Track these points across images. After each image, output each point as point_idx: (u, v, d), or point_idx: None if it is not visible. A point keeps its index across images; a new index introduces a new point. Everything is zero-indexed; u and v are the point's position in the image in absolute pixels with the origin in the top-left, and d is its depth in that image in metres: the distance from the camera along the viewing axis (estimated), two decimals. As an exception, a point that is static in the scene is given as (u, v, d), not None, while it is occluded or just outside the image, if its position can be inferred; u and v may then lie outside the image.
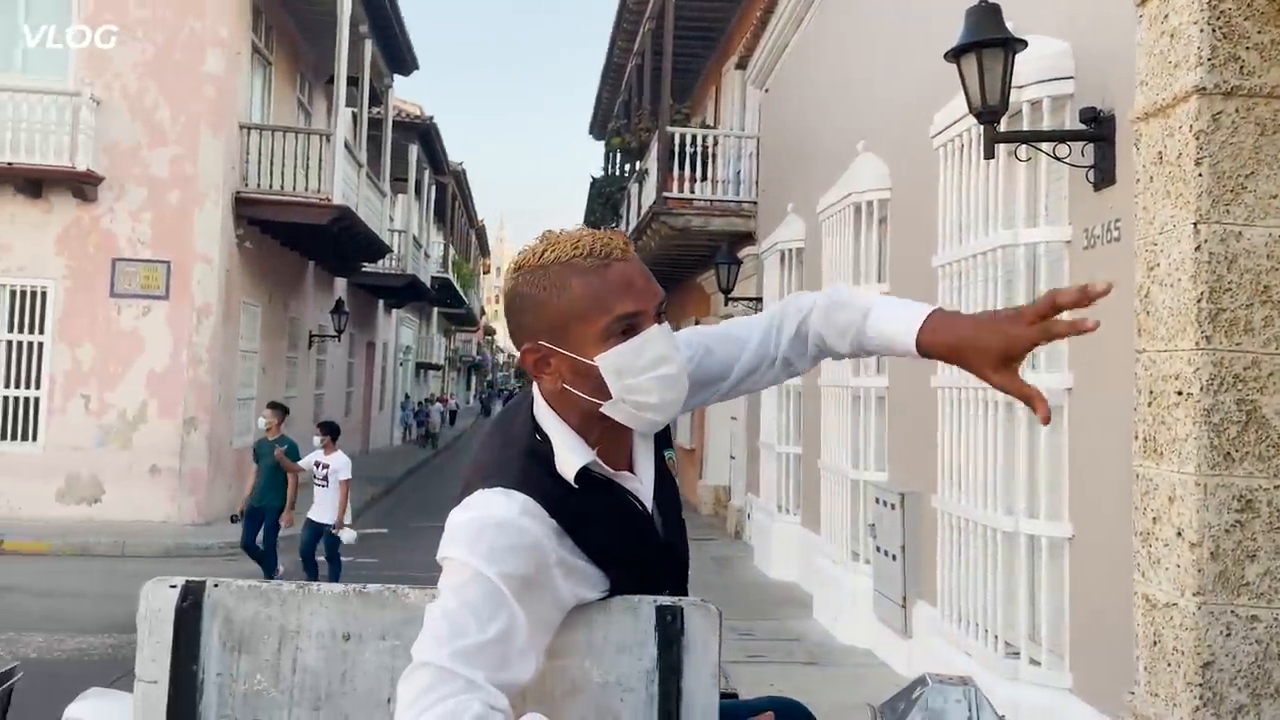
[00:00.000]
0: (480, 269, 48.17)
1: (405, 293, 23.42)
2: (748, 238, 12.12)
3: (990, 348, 1.36)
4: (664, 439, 1.53)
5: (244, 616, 1.33)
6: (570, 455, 1.34)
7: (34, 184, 11.87)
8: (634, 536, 1.40)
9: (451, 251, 30.66)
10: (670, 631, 1.32)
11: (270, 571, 8.84)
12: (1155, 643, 3.62)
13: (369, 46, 15.62)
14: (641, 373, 1.30)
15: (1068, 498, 4.55)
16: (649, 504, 1.44)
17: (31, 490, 11.80)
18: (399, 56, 17.75)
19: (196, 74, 12.29)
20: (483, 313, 57.09)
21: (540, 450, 1.35)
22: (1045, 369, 4.66)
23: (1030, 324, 1.35)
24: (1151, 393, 3.70)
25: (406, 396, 31.79)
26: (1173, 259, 3.58)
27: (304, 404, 17.40)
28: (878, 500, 6.80)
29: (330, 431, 8.90)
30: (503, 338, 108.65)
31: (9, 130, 11.59)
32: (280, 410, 9.49)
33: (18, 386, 12.07)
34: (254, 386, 14.28)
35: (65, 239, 12.09)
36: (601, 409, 1.33)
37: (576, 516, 1.30)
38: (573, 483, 1.32)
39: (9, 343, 12.08)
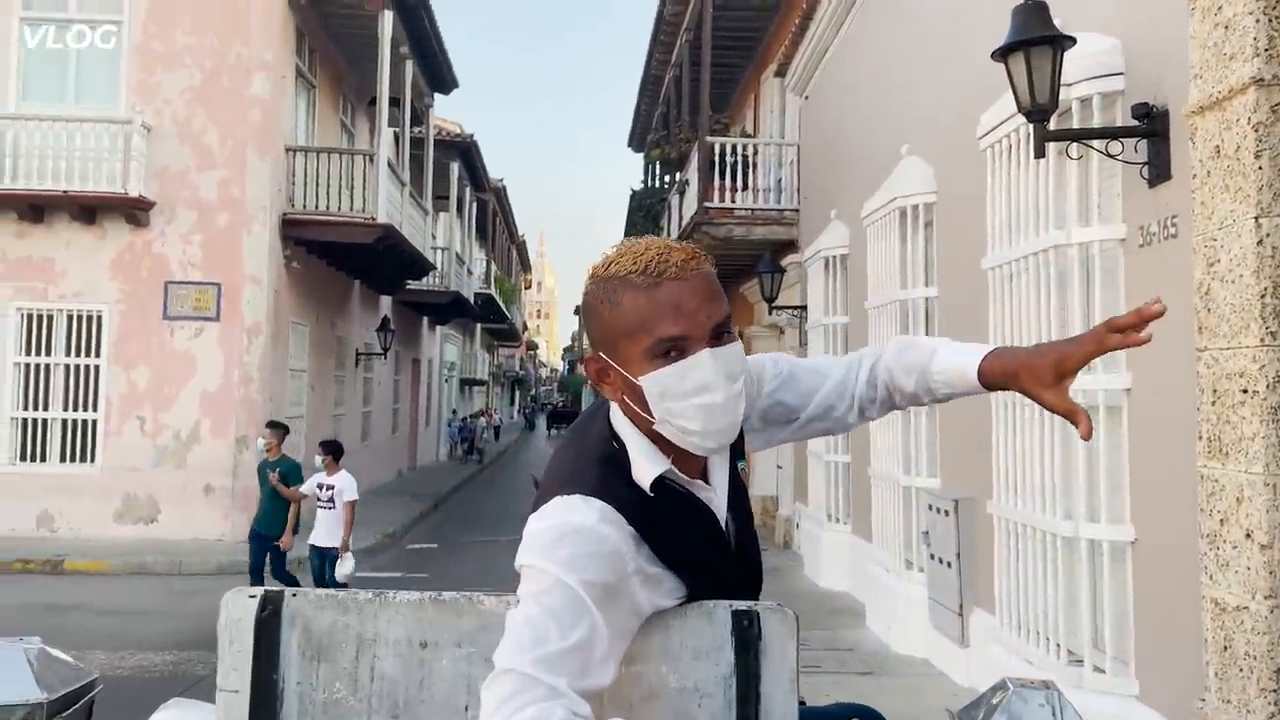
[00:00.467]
0: (521, 284, 48.45)
1: (449, 309, 23.61)
2: (790, 245, 12.07)
3: (1044, 365, 1.40)
4: (738, 449, 1.51)
5: (322, 625, 1.34)
6: (646, 463, 1.33)
7: (88, 211, 12.16)
8: (709, 545, 1.39)
9: (493, 267, 30.89)
10: (747, 636, 1.31)
11: None
12: (1226, 648, 3.53)
13: (410, 67, 15.81)
14: (683, 398, 1.29)
15: (1129, 500, 4.46)
16: (723, 513, 1.43)
17: (90, 511, 12.06)
18: (439, 76, 17.95)
19: (243, 98, 12.53)
20: (525, 328, 57.41)
21: (617, 457, 1.35)
22: (1103, 370, 4.57)
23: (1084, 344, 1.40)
24: (1215, 391, 3.62)
25: (454, 412, 31.78)
26: (1234, 254, 3.51)
27: (352, 421, 17.61)
28: (931, 507, 6.71)
29: (332, 451, 8.43)
30: (545, 352, 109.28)
31: (64, 159, 11.89)
32: (280, 429, 9.05)
33: (76, 409, 12.35)
34: (303, 405, 14.48)
35: (119, 263, 12.37)
36: (654, 425, 1.33)
37: (653, 524, 1.30)
38: (648, 491, 1.31)
39: (67, 366, 12.37)
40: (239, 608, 1.34)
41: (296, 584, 8.10)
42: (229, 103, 12.49)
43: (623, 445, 1.36)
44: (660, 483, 1.33)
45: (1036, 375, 1.39)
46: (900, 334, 7.31)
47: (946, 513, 6.35)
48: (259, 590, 1.36)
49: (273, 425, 9.11)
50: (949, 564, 6.32)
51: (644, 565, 1.29)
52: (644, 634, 1.30)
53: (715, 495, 1.43)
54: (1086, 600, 4.62)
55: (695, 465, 1.40)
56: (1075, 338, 1.43)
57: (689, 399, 1.29)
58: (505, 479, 25.22)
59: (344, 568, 7.99)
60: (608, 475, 1.32)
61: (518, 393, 76.09)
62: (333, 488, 8.11)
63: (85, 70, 12.57)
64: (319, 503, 8.13)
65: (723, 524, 1.43)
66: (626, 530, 1.27)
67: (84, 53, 12.56)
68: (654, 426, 1.33)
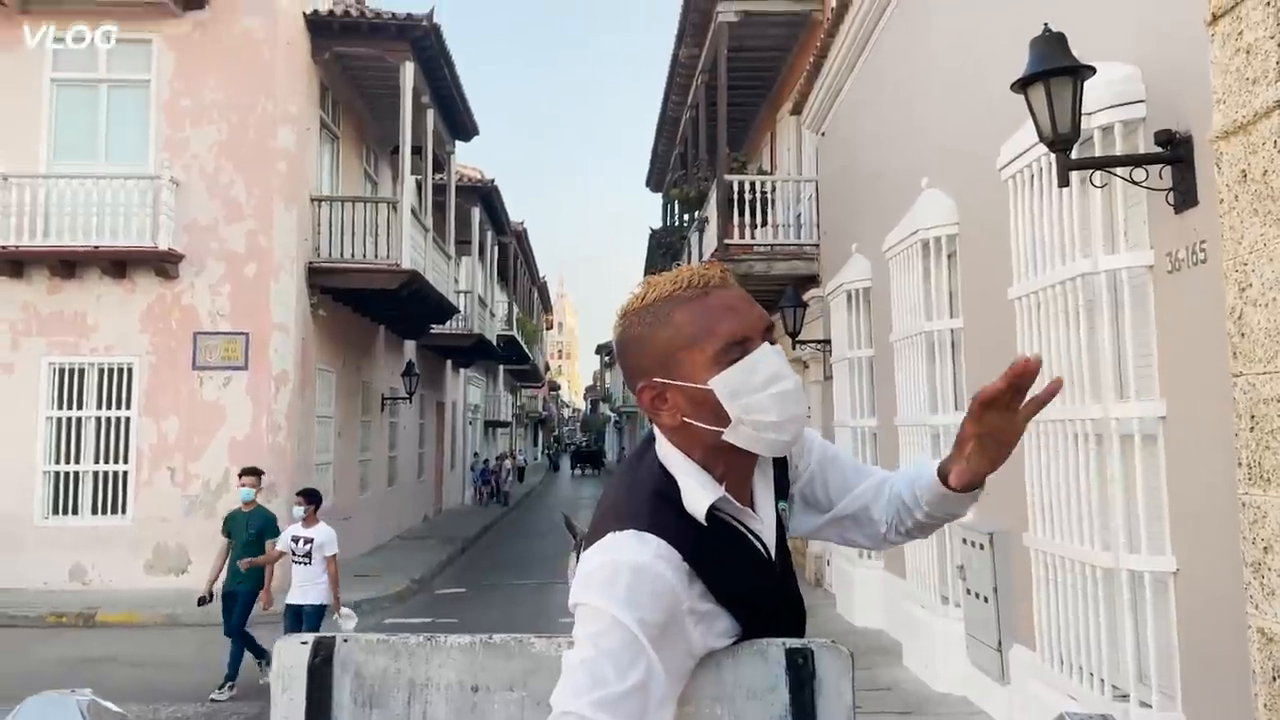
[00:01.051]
0: (543, 324, 48.69)
1: (473, 352, 23.75)
2: (812, 280, 12.08)
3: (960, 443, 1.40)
4: (782, 488, 1.51)
5: (374, 671, 1.34)
6: (700, 491, 1.33)
7: (119, 265, 12.36)
8: (760, 580, 1.38)
9: (515, 309, 31.08)
10: (801, 675, 1.29)
11: (261, 656, 7.76)
12: (1275, 678, 3.44)
13: (431, 116, 16.06)
14: (758, 390, 1.30)
15: (1169, 530, 4.39)
16: (772, 545, 1.43)
17: (122, 562, 12.13)
18: (459, 124, 18.22)
19: (269, 150, 12.76)
20: (547, 368, 57.58)
21: (668, 491, 1.34)
22: (1136, 398, 4.53)
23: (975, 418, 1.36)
24: (1253, 417, 3.57)
25: (475, 455, 31.50)
26: (1266, 278, 3.47)
27: (378, 466, 17.67)
28: (965, 541, 6.63)
29: (312, 500, 7.73)
30: (567, 392, 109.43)
31: (94, 215, 12.13)
32: (258, 475, 8.33)
33: (108, 461, 12.47)
34: (330, 451, 14.56)
35: (149, 316, 12.55)
36: (723, 436, 1.33)
37: (707, 558, 1.29)
38: (703, 520, 1.31)
39: (98, 419, 12.52)
40: (291, 655, 1.34)
41: (256, 646, 7.73)
42: (256, 155, 12.72)
43: (673, 478, 1.36)
44: (712, 515, 1.32)
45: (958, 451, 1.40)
46: (927, 367, 7.28)
47: (981, 546, 6.27)
48: (310, 637, 1.36)
49: (251, 472, 8.34)
50: (986, 599, 6.22)
51: (697, 603, 1.28)
52: (695, 674, 1.29)
53: (764, 525, 1.42)
54: (1129, 633, 4.53)
55: (744, 493, 1.40)
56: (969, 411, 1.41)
57: (764, 390, 1.30)
58: (531, 521, 25.15)
59: (346, 625, 7.39)
60: (661, 509, 1.32)
61: (541, 433, 76.14)
62: (310, 541, 7.50)
63: (115, 128, 12.85)
64: (294, 558, 7.51)
65: (771, 556, 1.42)
66: (682, 568, 1.26)
67: (113, 111, 12.87)
68: (724, 435, 1.32)
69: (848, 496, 1.61)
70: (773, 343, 1.35)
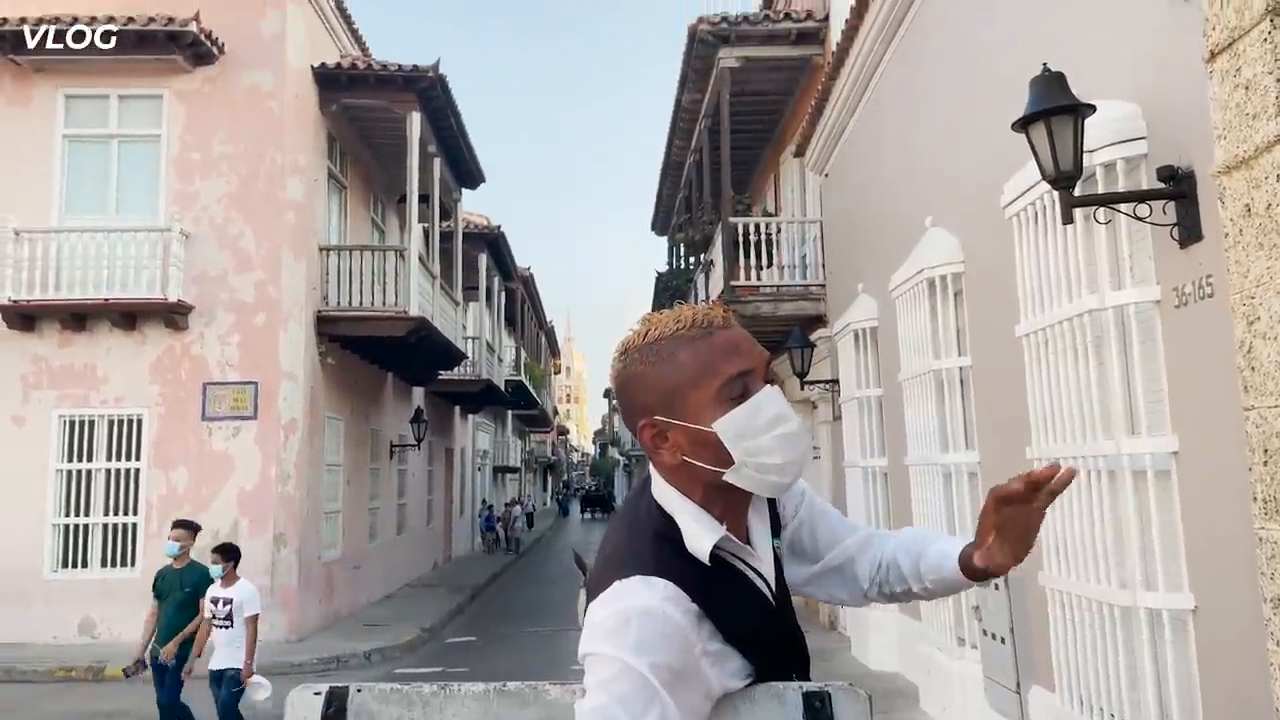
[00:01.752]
0: (551, 369, 48.75)
1: (481, 397, 23.77)
2: (818, 320, 12.09)
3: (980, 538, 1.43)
4: (775, 525, 1.51)
5: None
6: (701, 531, 1.32)
7: (129, 317, 12.45)
8: (764, 619, 1.38)
9: (523, 354, 31.15)
10: (819, 718, 1.28)
11: None
12: (1302, 718, 3.39)
13: (438, 165, 16.25)
14: (762, 433, 1.30)
15: (1185, 567, 4.34)
16: (772, 582, 1.42)
17: (131, 616, 11.95)
18: (466, 171, 18.41)
19: (278, 201, 12.89)
20: (555, 413, 57.56)
21: (669, 533, 1.33)
22: (1148, 434, 4.50)
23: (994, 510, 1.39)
24: (1266, 450, 3.55)
25: (483, 502, 30.83)
26: (1274, 311, 3.47)
27: (387, 514, 17.61)
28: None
29: (230, 556, 7.02)
30: (575, 436, 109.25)
31: (105, 268, 12.24)
32: (191, 529, 7.63)
33: (117, 513, 12.44)
34: (339, 499, 14.53)
35: (158, 367, 12.60)
36: (724, 476, 1.32)
37: (714, 598, 1.28)
38: (706, 561, 1.30)
39: (108, 471, 12.52)
40: (304, 706, 1.33)
41: (188, 711, 7.16)
42: (265, 206, 12.85)
43: (672, 520, 1.35)
44: (714, 555, 1.31)
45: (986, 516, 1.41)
46: (937, 405, 7.26)
47: (997, 586, 6.19)
48: (324, 687, 1.34)
49: (183, 525, 7.66)
50: (1003, 640, 6.14)
51: (709, 644, 1.27)
52: (711, 718, 1.27)
53: (763, 563, 1.41)
54: (1149, 672, 4.46)
55: (741, 531, 1.40)
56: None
57: (767, 432, 1.30)
58: (541, 568, 24.97)
59: (256, 695, 6.78)
60: (663, 551, 1.31)
61: (550, 478, 75.89)
62: (230, 601, 6.86)
63: (125, 181, 12.99)
64: (215, 621, 6.87)
65: (770, 595, 1.41)
66: (691, 609, 1.25)
67: (124, 165, 13.02)
68: (725, 476, 1.32)
69: (836, 549, 1.62)
70: (773, 383, 1.35)
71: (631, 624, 1.20)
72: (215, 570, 7.00)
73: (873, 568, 1.60)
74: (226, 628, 6.86)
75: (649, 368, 1.34)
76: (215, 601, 6.92)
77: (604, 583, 1.29)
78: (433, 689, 1.34)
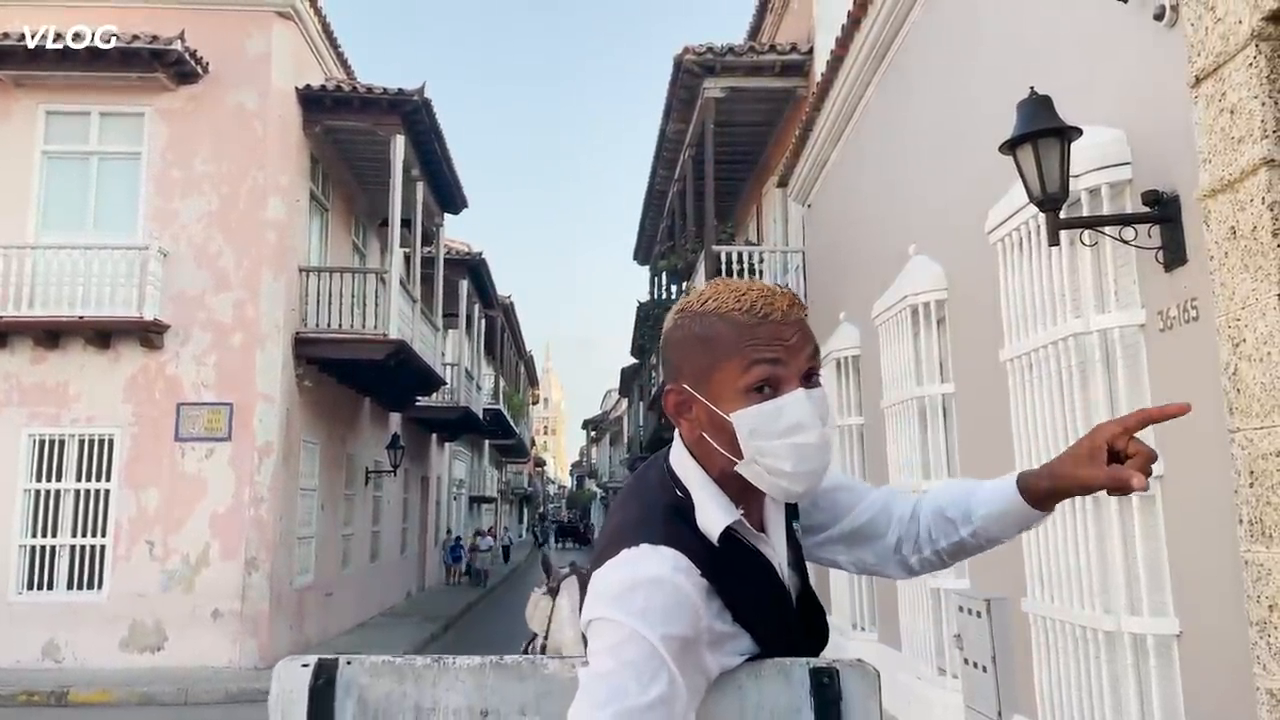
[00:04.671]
0: (529, 399, 48.57)
1: (458, 425, 23.60)
2: (800, 350, 12.09)
3: (1077, 450, 1.37)
4: (794, 509, 1.46)
5: (378, 694, 1.27)
6: (715, 511, 1.28)
7: (103, 335, 12.26)
8: (776, 602, 1.33)
9: (502, 382, 31.01)
10: (827, 695, 1.23)
11: None
12: (1289, 743, 3.35)
13: (420, 189, 16.21)
14: (776, 437, 1.25)
15: (1170, 591, 4.33)
16: (784, 570, 1.37)
17: (96, 639, 11.79)
18: (449, 196, 18.39)
19: (259, 221, 12.80)
20: (533, 443, 57.26)
21: (681, 506, 1.30)
22: (1132, 457, 4.50)
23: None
24: (1252, 473, 3.54)
25: (449, 532, 28.89)
26: (1259, 333, 3.48)
27: (361, 541, 17.39)
28: (961, 609, 6.51)
29: None
30: (552, 469, 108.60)
31: (80, 285, 12.07)
32: None
33: (85, 535, 12.19)
34: (313, 524, 14.33)
35: (132, 386, 12.42)
36: (736, 467, 1.28)
37: (724, 576, 1.24)
38: (715, 541, 1.26)
39: (77, 491, 12.29)
40: (291, 678, 1.27)
41: None
42: (245, 226, 12.76)
43: (686, 492, 1.31)
44: (725, 534, 1.27)
45: (1075, 459, 1.36)
46: (919, 433, 7.26)
47: (979, 614, 6.14)
48: (312, 659, 1.29)
49: None
50: (984, 668, 6.08)
51: (714, 622, 1.22)
52: (716, 695, 1.23)
53: (776, 551, 1.37)
54: (1134, 698, 4.43)
55: (754, 519, 1.35)
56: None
57: (782, 438, 1.25)
58: (516, 600, 24.71)
59: None
60: (674, 523, 1.27)
61: (526, 510, 75.37)
62: None
63: (104, 199, 12.87)
64: None
65: (784, 580, 1.36)
66: (700, 582, 1.21)
67: (103, 182, 12.91)
68: (736, 468, 1.28)
69: (855, 510, 1.54)
70: (814, 384, 1.29)
71: (639, 590, 1.16)
72: None
73: (902, 521, 1.52)
74: None
75: (691, 336, 1.30)
76: None
77: (612, 550, 1.24)
78: (426, 662, 1.28)
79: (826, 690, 1.24)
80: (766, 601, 1.31)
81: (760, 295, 1.29)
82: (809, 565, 1.49)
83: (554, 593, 1.54)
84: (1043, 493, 1.40)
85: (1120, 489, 1.32)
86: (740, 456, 1.27)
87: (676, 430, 1.38)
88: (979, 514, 1.46)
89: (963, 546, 1.50)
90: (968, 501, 1.47)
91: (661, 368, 1.54)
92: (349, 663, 1.27)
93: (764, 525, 1.38)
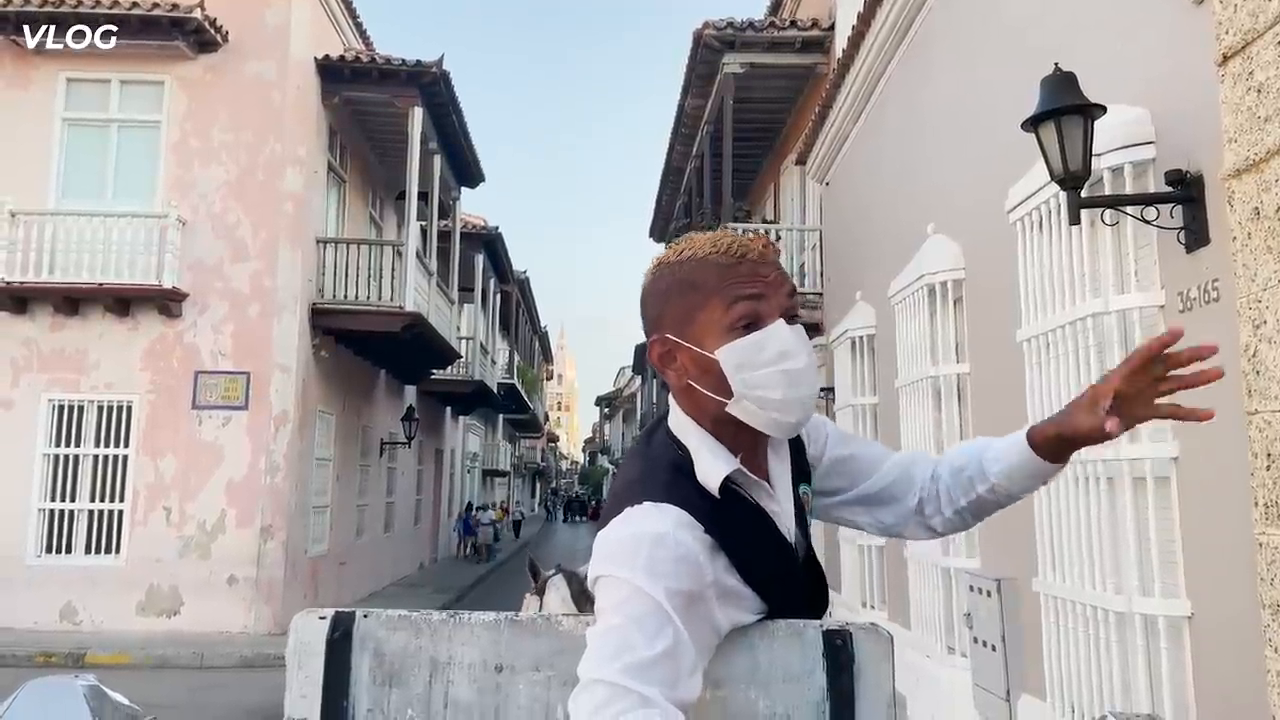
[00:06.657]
0: (543, 375, 48.67)
1: (473, 399, 23.69)
2: (815, 328, 12.08)
3: (1081, 398, 1.39)
4: (802, 473, 1.47)
5: (394, 648, 1.28)
6: (713, 461, 1.29)
7: (122, 303, 12.37)
8: (780, 557, 1.34)
9: (516, 357, 31.08)
10: (840, 658, 1.24)
11: None
12: (1298, 724, 3.36)
13: (438, 162, 16.21)
14: (764, 366, 1.26)
15: (1183, 572, 4.32)
16: (790, 526, 1.38)
17: (113, 603, 11.96)
18: (466, 170, 18.38)
19: (276, 192, 12.84)
20: (546, 419, 57.42)
21: (682, 463, 1.31)
22: (1149, 440, 4.48)
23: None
24: (1269, 455, 3.53)
25: (469, 504, 29.23)
26: (1280, 314, 3.46)
27: (375, 512, 17.53)
28: (971, 588, 6.51)
29: None
30: (565, 444, 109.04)
31: (100, 253, 12.16)
32: None
33: (103, 500, 12.35)
34: (328, 494, 14.45)
35: (150, 354, 12.52)
36: (726, 408, 1.29)
37: (727, 530, 1.25)
38: (715, 492, 1.27)
39: (95, 457, 12.42)
40: (309, 630, 1.29)
41: None
42: (263, 196, 12.80)
43: (686, 451, 1.32)
44: (727, 489, 1.28)
45: (1077, 405, 1.38)
46: (933, 412, 7.24)
47: (989, 593, 6.15)
48: (330, 611, 1.31)
49: None
50: (994, 647, 6.09)
51: (721, 576, 1.23)
52: (728, 654, 1.24)
53: (780, 506, 1.37)
54: (1143, 680, 4.43)
55: (757, 469, 1.35)
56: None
57: (770, 366, 1.26)
58: (516, 585, 24.82)
59: None
60: (677, 480, 1.28)
61: (539, 485, 75.77)
62: None
63: (124, 167, 12.94)
64: None
65: (789, 536, 1.37)
66: (704, 539, 1.22)
67: (123, 150, 12.97)
68: (727, 408, 1.29)
69: (875, 474, 1.56)
70: (794, 323, 1.31)
71: (643, 547, 1.17)
72: None
73: (923, 482, 1.53)
74: None
75: (670, 285, 1.32)
76: None
77: (616, 510, 1.26)
78: (442, 617, 1.30)
79: (840, 653, 1.25)
80: (771, 555, 1.31)
81: (735, 239, 1.32)
82: (815, 550, 1.50)
83: (541, 592, 1.56)
84: (1051, 442, 1.41)
85: (1098, 436, 1.35)
86: (729, 395, 1.28)
87: (669, 392, 1.39)
88: (994, 470, 1.47)
89: (983, 504, 1.51)
90: (982, 458, 1.49)
91: (642, 324, 1.53)
92: (365, 616, 1.29)
93: (768, 478, 1.38)
